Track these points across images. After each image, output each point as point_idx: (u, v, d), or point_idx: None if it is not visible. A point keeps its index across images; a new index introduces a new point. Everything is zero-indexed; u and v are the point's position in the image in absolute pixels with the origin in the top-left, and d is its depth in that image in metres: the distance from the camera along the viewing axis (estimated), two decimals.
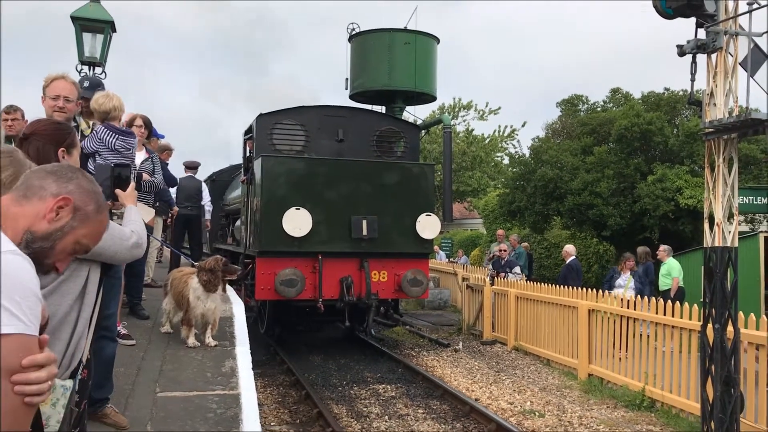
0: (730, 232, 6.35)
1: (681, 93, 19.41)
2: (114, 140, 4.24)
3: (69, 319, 2.55)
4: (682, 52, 6.59)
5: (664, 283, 12.21)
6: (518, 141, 25.83)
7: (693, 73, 6.63)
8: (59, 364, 2.51)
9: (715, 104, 6.36)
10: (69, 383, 2.46)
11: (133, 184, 3.27)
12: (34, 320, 1.32)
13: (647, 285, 12.49)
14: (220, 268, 6.10)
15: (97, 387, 3.80)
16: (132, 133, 4.44)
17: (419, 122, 20.61)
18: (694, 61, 6.58)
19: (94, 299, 2.65)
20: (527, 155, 21.17)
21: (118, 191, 3.23)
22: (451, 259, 24.44)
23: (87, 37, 7.96)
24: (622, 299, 9.46)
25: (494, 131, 35.89)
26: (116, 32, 8.23)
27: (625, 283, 11.21)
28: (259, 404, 5.13)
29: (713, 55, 6.37)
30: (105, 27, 8.03)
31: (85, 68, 8.00)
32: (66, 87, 4.04)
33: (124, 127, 4.39)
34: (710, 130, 6.40)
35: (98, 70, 8.06)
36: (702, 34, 6.40)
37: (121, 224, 2.88)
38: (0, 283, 1.27)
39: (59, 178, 1.79)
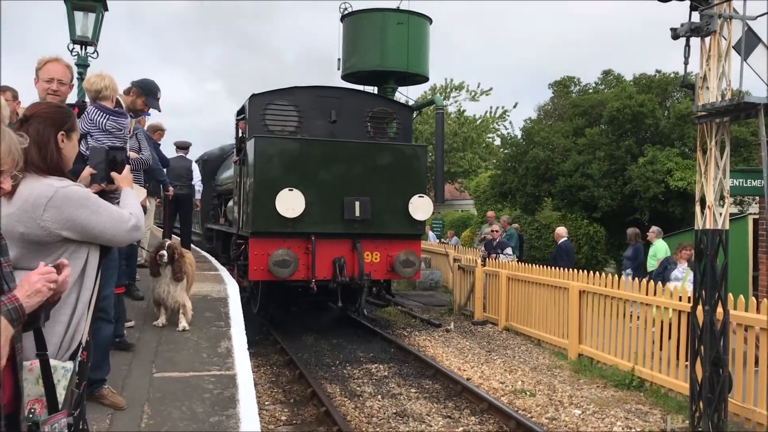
0: (721, 214, 6.41)
1: (672, 75, 19.45)
2: (105, 120, 4.21)
3: (68, 301, 2.57)
4: (675, 35, 6.60)
5: (651, 264, 12.32)
6: (510, 122, 25.80)
7: (686, 57, 6.64)
8: (59, 346, 2.53)
9: (708, 87, 6.38)
10: (69, 365, 2.49)
11: (128, 167, 3.26)
12: None
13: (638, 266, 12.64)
14: (154, 255, 6.09)
15: (94, 368, 3.82)
16: (124, 113, 4.41)
17: (411, 103, 20.55)
18: (687, 45, 6.60)
19: (93, 281, 2.67)
20: (519, 137, 21.17)
21: (113, 174, 3.23)
22: (442, 240, 24.51)
23: (79, 15, 7.88)
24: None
25: (486, 112, 35.81)
26: (108, 10, 8.15)
27: (683, 275, 9.69)
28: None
29: (707, 39, 6.39)
30: (97, 5, 7.94)
31: (77, 47, 7.93)
32: (60, 70, 4.01)
33: (116, 108, 4.35)
34: (703, 113, 6.43)
35: (90, 49, 7.99)
36: (696, 17, 6.41)
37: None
38: None
39: None
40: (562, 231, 13.86)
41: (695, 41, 6.54)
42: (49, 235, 2.47)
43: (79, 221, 2.51)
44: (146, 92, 5.58)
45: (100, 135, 4.21)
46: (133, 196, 2.91)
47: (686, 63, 6.67)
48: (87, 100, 4.66)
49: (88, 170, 3.28)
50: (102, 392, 4.19)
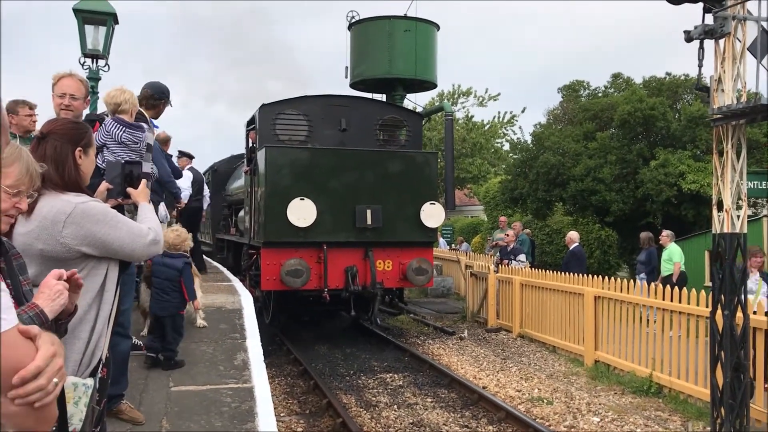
0: (738, 217, 6.34)
1: (683, 77, 19.34)
2: (121, 133, 4.20)
3: (88, 318, 2.55)
4: (689, 37, 6.55)
5: (665, 268, 12.23)
6: (520, 127, 25.73)
7: (700, 59, 6.58)
8: (79, 362, 2.51)
9: (723, 90, 6.32)
10: (90, 381, 2.46)
11: (144, 181, 3.24)
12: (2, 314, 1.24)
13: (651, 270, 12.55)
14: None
15: (112, 383, 3.79)
16: (142, 126, 4.39)
17: (419, 110, 20.53)
18: (701, 47, 6.54)
19: (113, 297, 2.65)
20: (529, 142, 21.10)
21: (129, 189, 3.21)
22: (452, 247, 24.43)
23: (89, 29, 7.91)
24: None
25: (494, 117, 35.76)
26: (119, 24, 8.17)
27: (756, 287, 8.46)
28: None
29: (721, 41, 6.33)
30: (107, 19, 7.97)
31: (89, 60, 7.95)
32: (72, 85, 4.01)
33: (133, 122, 4.34)
34: (718, 116, 6.37)
35: (101, 62, 8.01)
36: (710, 19, 6.35)
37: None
38: None
39: None
40: (574, 236, 13.79)
41: (709, 43, 6.49)
42: (68, 251, 2.46)
43: (98, 237, 2.49)
44: (158, 96, 5.58)
45: (116, 147, 4.20)
46: (150, 210, 2.89)
47: (700, 65, 6.60)
48: (107, 114, 4.66)
49: (104, 185, 3.25)
50: (120, 407, 4.16)
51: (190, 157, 11.85)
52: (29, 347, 1.28)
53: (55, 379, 1.30)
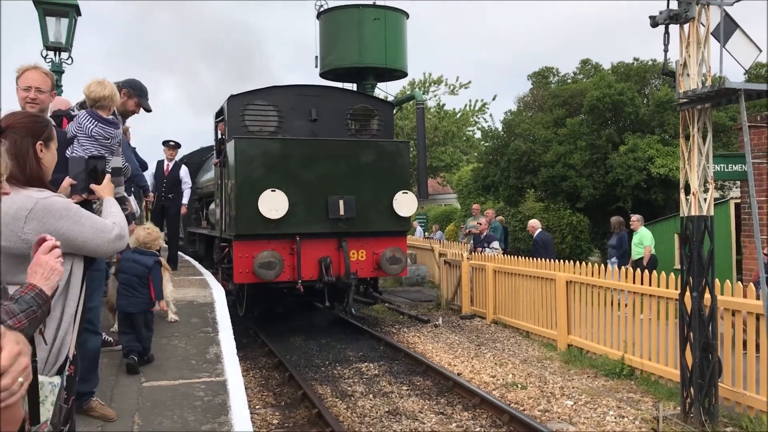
0: (705, 200, 6.44)
1: (650, 63, 19.55)
2: (93, 126, 4.12)
3: (53, 315, 2.50)
4: (654, 22, 6.62)
5: (636, 252, 12.39)
6: (491, 115, 25.93)
7: (666, 44, 6.67)
8: (45, 361, 2.46)
9: (688, 74, 6.40)
10: (57, 380, 2.42)
11: (108, 176, 3.18)
12: None
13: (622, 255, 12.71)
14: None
15: (82, 381, 3.74)
16: (116, 123, 4.31)
17: (390, 99, 20.50)
18: (666, 32, 6.62)
19: (78, 294, 2.60)
20: (500, 129, 21.20)
21: (93, 185, 3.15)
22: (426, 235, 24.52)
23: (51, 21, 7.73)
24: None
25: (465, 105, 35.90)
26: (81, 15, 8.00)
27: None
28: None
29: (686, 26, 6.41)
30: (69, 11, 7.80)
31: (51, 53, 7.78)
32: (38, 77, 3.92)
33: (110, 117, 4.26)
34: (684, 100, 6.45)
35: (64, 54, 7.85)
36: (674, 4, 6.42)
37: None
38: None
39: None
40: (534, 223, 13.91)
41: (674, 28, 6.56)
42: (30, 247, 2.40)
43: (61, 232, 2.44)
44: (138, 93, 5.45)
45: (85, 140, 4.12)
46: (115, 204, 2.84)
47: (666, 50, 6.70)
48: (75, 112, 4.56)
49: (68, 181, 3.20)
50: (91, 405, 4.11)
51: (179, 145, 11.48)
52: None
53: (20, 379, 1.27)
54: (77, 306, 2.59)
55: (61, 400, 2.42)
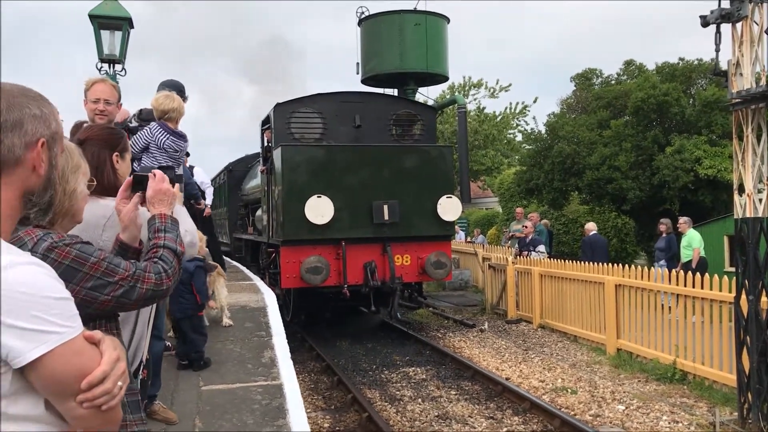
0: (761, 201, 6.32)
1: (696, 62, 19.17)
2: (165, 139, 4.28)
3: (129, 320, 2.59)
4: (705, 22, 6.52)
5: (685, 254, 12.17)
6: (534, 117, 25.66)
7: (717, 44, 6.56)
8: None
9: (741, 74, 6.30)
10: (133, 384, 2.50)
11: (178, 186, 3.28)
12: (66, 321, 1.26)
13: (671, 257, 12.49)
14: None
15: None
16: (185, 136, 4.46)
17: (431, 103, 20.52)
18: (718, 31, 6.52)
19: None
20: (543, 132, 21.01)
21: None
22: (469, 239, 24.43)
23: (105, 34, 7.97)
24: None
25: (505, 108, 35.65)
26: (134, 28, 8.23)
27: None
28: None
29: (738, 25, 6.30)
30: (123, 24, 8.03)
31: (105, 66, 8.02)
32: (106, 90, 4.07)
33: (179, 130, 4.41)
34: (737, 100, 6.34)
35: (118, 66, 8.07)
36: (726, 3, 6.32)
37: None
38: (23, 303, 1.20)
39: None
40: (590, 226, 13.81)
41: (726, 27, 6.46)
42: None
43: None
44: (183, 95, 5.61)
45: (156, 151, 4.28)
46: (185, 213, 2.93)
47: (717, 50, 6.59)
48: (133, 123, 4.72)
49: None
50: (153, 408, 4.22)
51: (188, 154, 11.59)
52: (94, 352, 1.32)
53: (119, 383, 1.34)
54: (150, 311, 2.68)
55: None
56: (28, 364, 1.21)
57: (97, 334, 1.34)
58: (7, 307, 1.19)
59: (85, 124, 3.77)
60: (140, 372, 2.67)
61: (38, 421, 1.27)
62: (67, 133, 3.38)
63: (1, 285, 1.19)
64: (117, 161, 2.59)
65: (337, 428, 7.05)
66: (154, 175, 2.40)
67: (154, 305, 2.72)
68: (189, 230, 2.74)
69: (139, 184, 2.67)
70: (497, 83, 34.79)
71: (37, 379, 1.23)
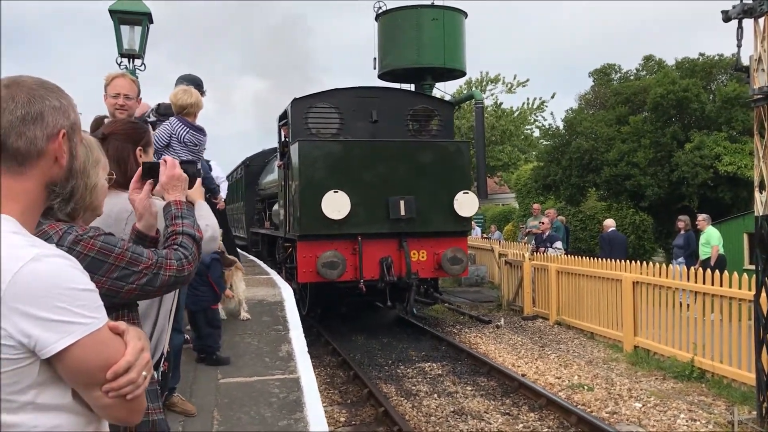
0: None
1: (716, 58, 18.97)
2: (185, 133, 4.32)
3: (150, 313, 2.62)
4: (727, 17, 6.47)
5: (704, 251, 12.06)
6: (551, 113, 25.51)
7: (739, 39, 6.49)
8: None
9: (763, 70, 6.23)
10: (154, 376, 2.54)
11: (199, 180, 3.31)
12: (92, 312, 1.27)
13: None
14: None
15: None
16: (204, 130, 4.51)
17: (448, 98, 20.48)
18: (740, 26, 6.45)
19: (173, 293, 2.71)
20: (560, 127, 20.91)
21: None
22: (484, 235, 24.37)
23: (125, 29, 8.03)
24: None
25: (523, 104, 35.53)
26: (153, 23, 8.28)
27: None
28: None
29: (760, 20, 6.24)
30: (143, 19, 8.08)
31: (125, 60, 8.08)
32: (126, 85, 4.10)
33: (198, 124, 4.46)
34: (759, 96, 6.28)
35: (138, 61, 8.13)
36: None
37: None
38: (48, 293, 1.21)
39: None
40: (608, 222, 13.75)
41: (748, 22, 6.39)
42: None
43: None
44: (201, 89, 5.64)
45: (177, 145, 4.32)
46: (206, 208, 2.95)
47: (739, 45, 6.52)
48: (151, 118, 4.76)
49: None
50: (172, 400, 4.27)
51: None
52: (119, 343, 1.34)
53: (144, 372, 1.36)
54: (172, 304, 2.71)
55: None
56: (55, 355, 1.23)
57: (122, 324, 1.36)
58: (35, 299, 1.21)
59: (105, 119, 3.81)
60: (161, 364, 2.70)
61: (66, 410, 1.30)
62: (86, 127, 3.42)
63: (29, 277, 1.21)
64: (140, 155, 2.61)
65: (353, 422, 7.08)
66: (165, 161, 2.42)
67: (176, 299, 2.75)
68: (210, 225, 2.76)
69: (150, 171, 2.71)
70: (515, 78, 34.69)
71: (64, 370, 1.26)
